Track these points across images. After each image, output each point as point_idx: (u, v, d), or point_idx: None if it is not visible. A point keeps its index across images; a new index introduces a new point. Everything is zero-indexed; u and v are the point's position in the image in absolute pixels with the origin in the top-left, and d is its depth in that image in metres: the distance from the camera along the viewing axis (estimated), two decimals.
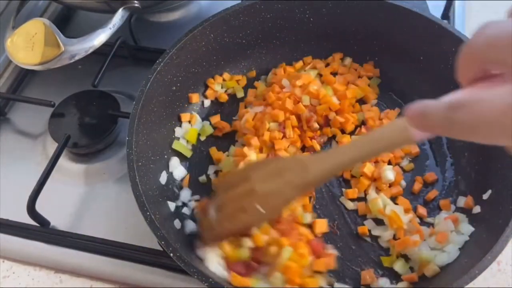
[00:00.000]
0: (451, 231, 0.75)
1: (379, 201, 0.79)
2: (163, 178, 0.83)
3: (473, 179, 0.81)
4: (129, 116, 0.79)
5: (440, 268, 0.72)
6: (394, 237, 0.77)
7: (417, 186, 0.82)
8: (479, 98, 0.40)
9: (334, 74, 0.95)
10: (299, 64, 0.96)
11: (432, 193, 0.81)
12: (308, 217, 0.78)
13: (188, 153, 0.88)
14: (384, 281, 0.74)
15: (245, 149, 0.82)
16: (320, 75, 0.94)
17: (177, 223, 0.78)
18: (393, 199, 0.81)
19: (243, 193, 0.70)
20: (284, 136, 0.84)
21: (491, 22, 0.41)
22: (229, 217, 0.70)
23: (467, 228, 0.75)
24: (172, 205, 0.80)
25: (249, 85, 0.96)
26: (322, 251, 0.73)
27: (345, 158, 0.66)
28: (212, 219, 0.72)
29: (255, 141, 0.84)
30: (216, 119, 0.92)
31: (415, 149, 0.86)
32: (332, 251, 0.74)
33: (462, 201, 0.79)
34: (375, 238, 0.78)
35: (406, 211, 0.79)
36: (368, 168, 0.81)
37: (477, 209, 0.77)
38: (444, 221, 0.77)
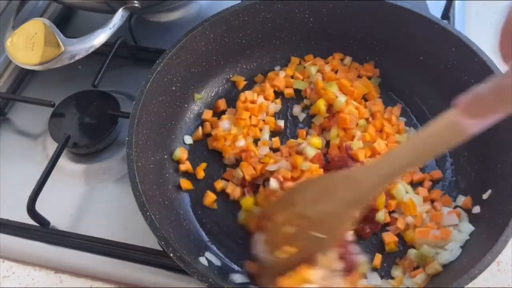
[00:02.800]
0: (453, 227, 0.76)
1: (400, 187, 0.79)
2: (165, 178, 0.83)
3: (473, 179, 0.81)
4: (129, 116, 0.79)
5: (443, 266, 0.72)
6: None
7: (427, 184, 0.83)
8: None
9: (335, 72, 0.95)
10: (296, 59, 0.97)
11: (437, 193, 0.82)
12: None
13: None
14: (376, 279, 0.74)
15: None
16: (321, 74, 0.95)
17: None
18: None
19: (291, 219, 0.65)
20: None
21: None
22: (283, 251, 0.65)
23: (468, 227, 0.75)
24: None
25: (249, 85, 0.96)
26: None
27: (398, 163, 0.59)
28: (265, 260, 0.67)
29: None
30: (207, 114, 0.92)
31: None
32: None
33: (461, 200, 0.80)
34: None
35: (425, 200, 0.80)
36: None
37: (477, 209, 0.77)
38: (447, 215, 0.77)
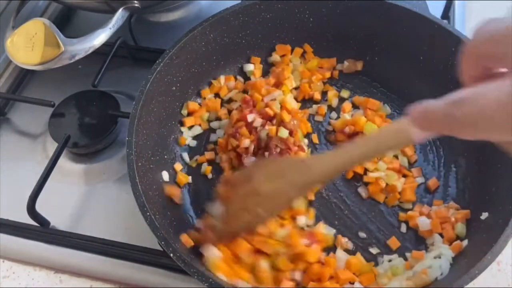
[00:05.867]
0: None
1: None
2: (165, 177, 0.83)
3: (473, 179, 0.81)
4: (129, 116, 0.79)
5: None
6: None
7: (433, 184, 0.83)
8: (478, 93, 0.39)
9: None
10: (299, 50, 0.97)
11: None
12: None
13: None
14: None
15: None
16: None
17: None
18: None
19: (247, 193, 0.70)
20: None
21: (491, 19, 0.41)
22: (233, 216, 0.71)
23: (446, 251, 0.74)
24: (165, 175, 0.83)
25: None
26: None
27: (348, 157, 0.66)
28: (216, 217, 0.73)
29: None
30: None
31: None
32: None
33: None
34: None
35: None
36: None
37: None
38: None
